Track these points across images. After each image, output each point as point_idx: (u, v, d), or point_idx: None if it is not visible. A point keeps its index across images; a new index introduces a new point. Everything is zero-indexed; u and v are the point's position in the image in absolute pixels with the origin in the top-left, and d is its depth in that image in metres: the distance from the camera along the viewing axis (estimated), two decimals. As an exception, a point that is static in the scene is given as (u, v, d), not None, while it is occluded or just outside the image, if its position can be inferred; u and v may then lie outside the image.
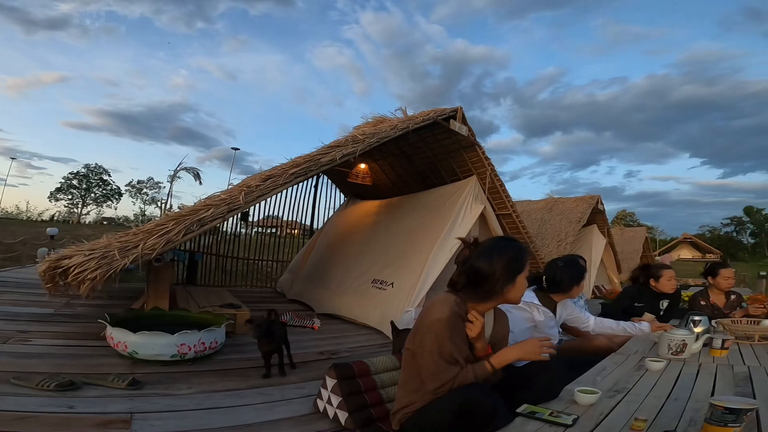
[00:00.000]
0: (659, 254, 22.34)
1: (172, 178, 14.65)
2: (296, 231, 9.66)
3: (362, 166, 6.60)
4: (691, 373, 1.91)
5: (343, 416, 2.00)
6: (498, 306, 1.72)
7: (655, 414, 1.39)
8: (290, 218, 8.48)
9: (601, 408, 1.49)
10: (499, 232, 5.74)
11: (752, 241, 49.80)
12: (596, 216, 10.83)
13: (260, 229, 9.19)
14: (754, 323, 2.66)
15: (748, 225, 51.12)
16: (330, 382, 2.09)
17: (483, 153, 5.52)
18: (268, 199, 7.95)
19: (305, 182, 8.00)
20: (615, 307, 3.76)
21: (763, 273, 8.82)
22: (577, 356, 2.61)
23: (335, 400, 2.05)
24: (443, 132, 5.38)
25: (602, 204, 10.98)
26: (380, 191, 7.05)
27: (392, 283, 4.75)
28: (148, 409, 2.07)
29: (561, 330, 3.11)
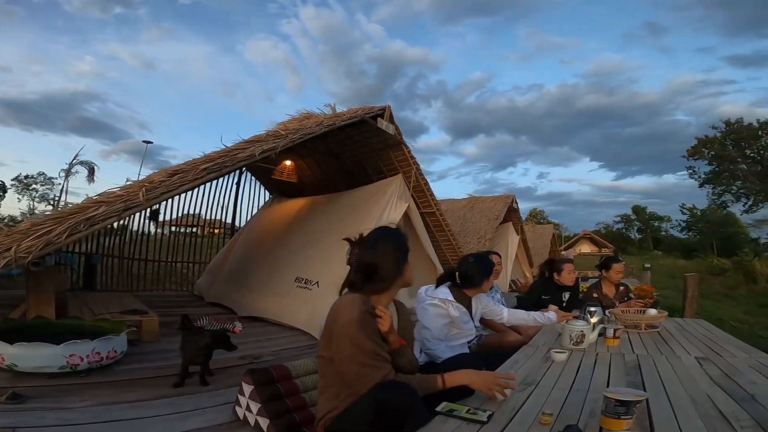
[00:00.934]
0: (564, 249, 24.64)
1: (67, 172, 13.03)
2: (218, 230, 9.12)
3: (288, 163, 6.39)
4: (590, 363, 2.08)
5: (264, 423, 1.92)
6: (396, 299, 1.75)
7: (560, 407, 1.48)
8: (211, 217, 7.97)
9: (513, 402, 1.54)
10: (423, 230, 5.90)
11: (639, 236, 56.96)
12: (511, 214, 11.64)
13: (176, 229, 8.51)
14: (641, 312, 2.98)
15: (635, 222, 58.39)
16: (247, 388, 2.01)
17: (409, 152, 5.63)
18: (184, 197, 7.42)
19: (226, 179, 7.58)
20: (527, 300, 4.02)
21: (647, 265, 10.14)
22: (496, 350, 2.75)
23: (254, 406, 1.97)
24: (371, 130, 5.39)
25: (517, 203, 11.84)
26: (307, 189, 6.88)
27: (317, 282, 4.66)
28: (34, 423, 1.91)
29: (481, 325, 3.27)
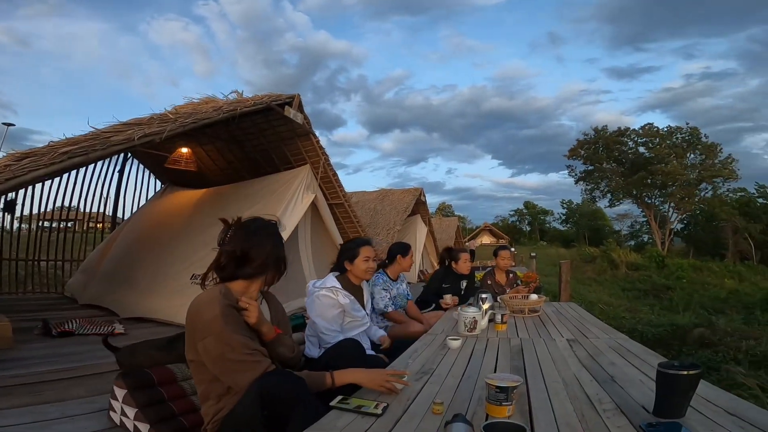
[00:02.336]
0: (467, 241, 26.51)
1: None
2: (101, 224, 8.04)
3: (184, 150, 5.83)
4: (481, 349, 2.21)
5: (144, 428, 1.78)
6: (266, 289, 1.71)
7: (452, 395, 1.53)
8: (90, 210, 6.98)
9: (409, 393, 1.57)
10: (331, 221, 5.83)
11: (529, 228, 63.51)
12: (420, 207, 12.09)
13: (43, 224, 7.29)
14: (525, 298, 3.28)
15: (526, 216, 65.00)
16: (119, 392, 1.83)
17: (318, 142, 5.49)
18: (55, 187, 6.40)
19: (105, 166, 6.69)
20: (429, 289, 4.17)
21: (533, 254, 11.30)
22: (401, 340, 2.80)
23: (130, 411, 1.81)
24: (278, 119, 5.14)
25: (424, 196, 12.32)
26: (207, 179, 6.36)
27: (216, 278, 4.33)
28: None
29: (382, 317, 3.32)
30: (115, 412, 1.89)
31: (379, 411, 1.35)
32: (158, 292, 4.67)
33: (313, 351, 2.32)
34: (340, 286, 2.36)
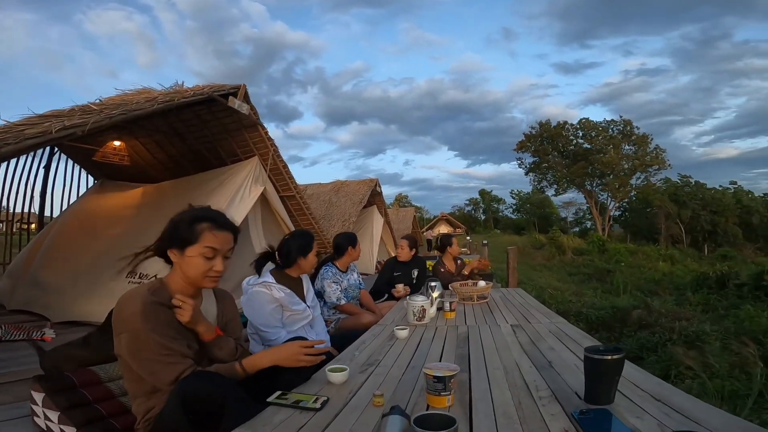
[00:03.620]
0: (425, 230, 26.96)
1: None
2: (27, 226, 7.35)
3: (116, 143, 5.43)
4: (429, 338, 2.22)
5: (71, 431, 1.63)
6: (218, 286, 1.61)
7: (395, 386, 1.52)
8: (14, 209, 6.37)
9: (351, 385, 1.54)
10: (283, 214, 5.68)
11: (484, 217, 65.52)
12: (375, 198, 12.10)
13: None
14: (474, 285, 3.33)
15: (481, 205, 67.00)
16: (37, 396, 1.68)
17: (266, 133, 5.31)
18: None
19: (29, 162, 6.12)
20: (381, 279, 4.16)
21: (485, 242, 11.64)
22: (353, 332, 2.76)
23: (53, 415, 1.67)
24: (223, 110, 4.90)
25: (380, 187, 12.33)
26: (146, 173, 5.97)
27: (156, 276, 4.10)
28: None
29: (335, 310, 3.27)
30: (38, 417, 1.75)
31: (318, 405, 1.33)
32: (94, 294, 4.36)
33: (257, 348, 2.25)
34: (274, 281, 2.27)
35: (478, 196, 67.56)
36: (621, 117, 34.59)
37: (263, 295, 2.24)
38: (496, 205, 65.71)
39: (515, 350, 1.86)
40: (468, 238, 24.73)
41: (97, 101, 3.46)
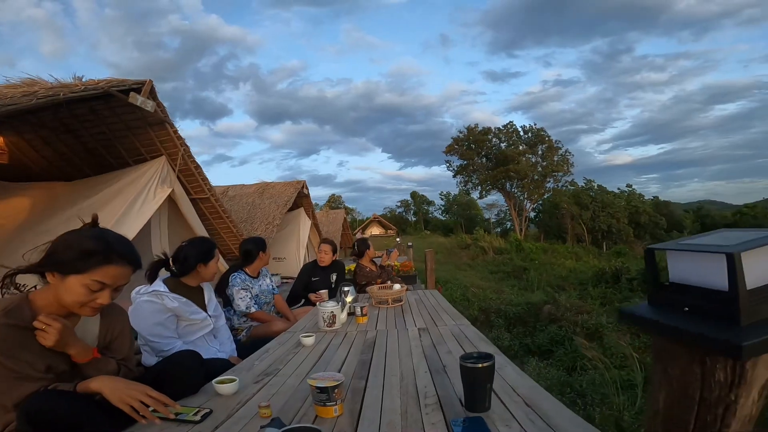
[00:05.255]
0: (356, 232, 27.03)
1: None
2: None
3: (-7, 136, 4.71)
4: (336, 344, 2.19)
5: None
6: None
7: (287, 397, 1.46)
8: None
9: (240, 396, 1.48)
10: (194, 217, 5.32)
11: (414, 218, 67.26)
12: (302, 200, 11.84)
13: None
14: (389, 288, 3.38)
15: (412, 206, 68.70)
16: None
17: (175, 132, 4.92)
18: None
19: None
20: (298, 283, 4.06)
21: (410, 244, 11.94)
22: (265, 339, 2.64)
23: None
24: (124, 105, 4.45)
25: (307, 189, 12.10)
26: (32, 173, 5.25)
27: (35, 287, 3.60)
28: None
29: (246, 317, 3.12)
30: None
31: (197, 418, 1.28)
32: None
33: (149, 359, 2.09)
34: (167, 290, 2.11)
35: (409, 198, 69.22)
36: (534, 125, 37.83)
37: (152, 304, 2.07)
38: (426, 207, 67.80)
39: (416, 355, 1.90)
40: (398, 239, 25.19)
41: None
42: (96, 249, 1.27)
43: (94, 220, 1.40)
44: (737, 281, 0.67)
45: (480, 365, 1.13)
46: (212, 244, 2.39)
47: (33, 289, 3.57)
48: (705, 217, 37.61)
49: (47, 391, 1.22)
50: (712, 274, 0.73)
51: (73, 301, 1.27)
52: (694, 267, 0.78)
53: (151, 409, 1.23)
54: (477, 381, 1.15)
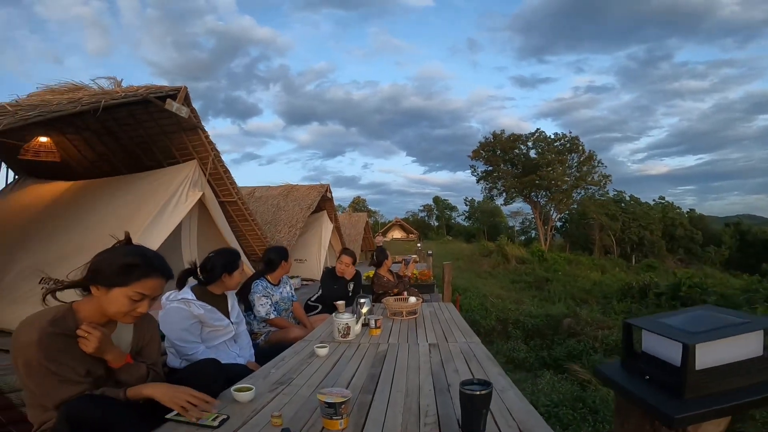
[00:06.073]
0: (377, 236, 27.23)
1: None
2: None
3: (43, 139, 5.07)
4: (349, 356, 2.27)
5: None
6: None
7: (299, 407, 1.55)
8: None
9: (256, 404, 1.56)
10: (222, 220, 5.54)
11: (437, 223, 66.99)
12: (326, 203, 12.03)
13: None
14: (404, 301, 3.44)
15: (435, 211, 68.43)
16: None
17: (207, 137, 5.16)
18: None
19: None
20: (325, 290, 4.16)
21: (430, 252, 11.94)
22: (281, 346, 2.76)
23: None
24: (160, 110, 4.71)
25: (331, 192, 12.29)
26: (74, 171, 5.61)
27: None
28: None
29: (265, 323, 3.25)
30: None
31: (215, 423, 1.36)
32: (6, 300, 4.02)
33: (174, 362, 2.25)
34: (194, 297, 2.26)
35: (432, 203, 68.95)
36: (570, 132, 36.88)
37: (180, 311, 2.23)
38: (449, 213, 67.34)
39: (424, 371, 1.95)
40: (419, 245, 25.17)
41: (13, 102, 3.22)
42: (137, 264, 1.43)
43: (128, 239, 1.55)
44: (688, 364, 0.83)
45: (478, 393, 1.19)
46: (237, 255, 2.52)
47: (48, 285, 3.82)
48: (745, 232, 35.87)
49: (89, 396, 1.35)
50: (672, 352, 0.89)
51: (117, 311, 1.42)
52: (660, 343, 0.94)
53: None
54: (474, 406, 1.21)
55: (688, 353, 0.83)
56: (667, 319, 0.98)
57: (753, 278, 12.68)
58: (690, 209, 40.29)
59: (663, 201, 36.88)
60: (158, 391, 1.42)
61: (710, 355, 0.85)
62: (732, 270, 26.52)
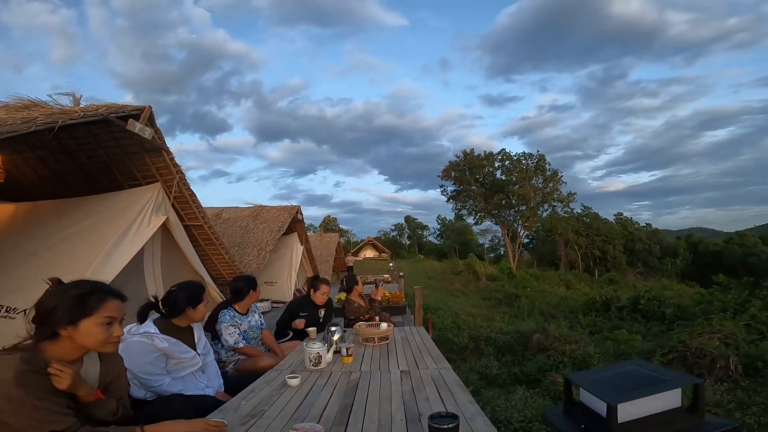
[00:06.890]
0: (349, 256, 27.02)
1: None
2: None
3: (-11, 156, 4.77)
4: (321, 385, 2.21)
5: None
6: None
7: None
8: None
9: None
10: (187, 244, 5.36)
11: (408, 242, 67.37)
12: (296, 224, 11.87)
13: None
14: (376, 326, 3.40)
15: (406, 230, 68.86)
16: None
17: (171, 159, 5.01)
18: None
19: None
20: (284, 317, 4.07)
21: (401, 274, 11.94)
22: (250, 375, 2.66)
23: None
24: (122, 130, 4.55)
25: (301, 214, 12.16)
26: (26, 191, 5.30)
27: (24, 310, 3.61)
28: None
29: (233, 352, 3.14)
30: None
31: None
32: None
33: (138, 392, 2.15)
34: (158, 331, 2.17)
35: (404, 222, 69.41)
36: (537, 151, 38.26)
37: (144, 344, 2.15)
38: (420, 231, 67.91)
39: (395, 400, 1.93)
40: (391, 264, 25.16)
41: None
42: (88, 292, 1.44)
43: (56, 281, 1.50)
44: (612, 420, 1.05)
45: (445, 426, 1.21)
46: (201, 288, 2.44)
47: (18, 314, 3.55)
48: (696, 244, 38.10)
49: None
50: (601, 406, 1.11)
51: (96, 340, 1.43)
52: (592, 398, 1.15)
53: None
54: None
55: (611, 411, 1.03)
56: (600, 374, 1.19)
57: (708, 291, 13.41)
58: (646, 224, 42.58)
59: (621, 217, 38.70)
60: (176, 428, 1.51)
61: (632, 408, 1.04)
62: (687, 281, 28.00)
